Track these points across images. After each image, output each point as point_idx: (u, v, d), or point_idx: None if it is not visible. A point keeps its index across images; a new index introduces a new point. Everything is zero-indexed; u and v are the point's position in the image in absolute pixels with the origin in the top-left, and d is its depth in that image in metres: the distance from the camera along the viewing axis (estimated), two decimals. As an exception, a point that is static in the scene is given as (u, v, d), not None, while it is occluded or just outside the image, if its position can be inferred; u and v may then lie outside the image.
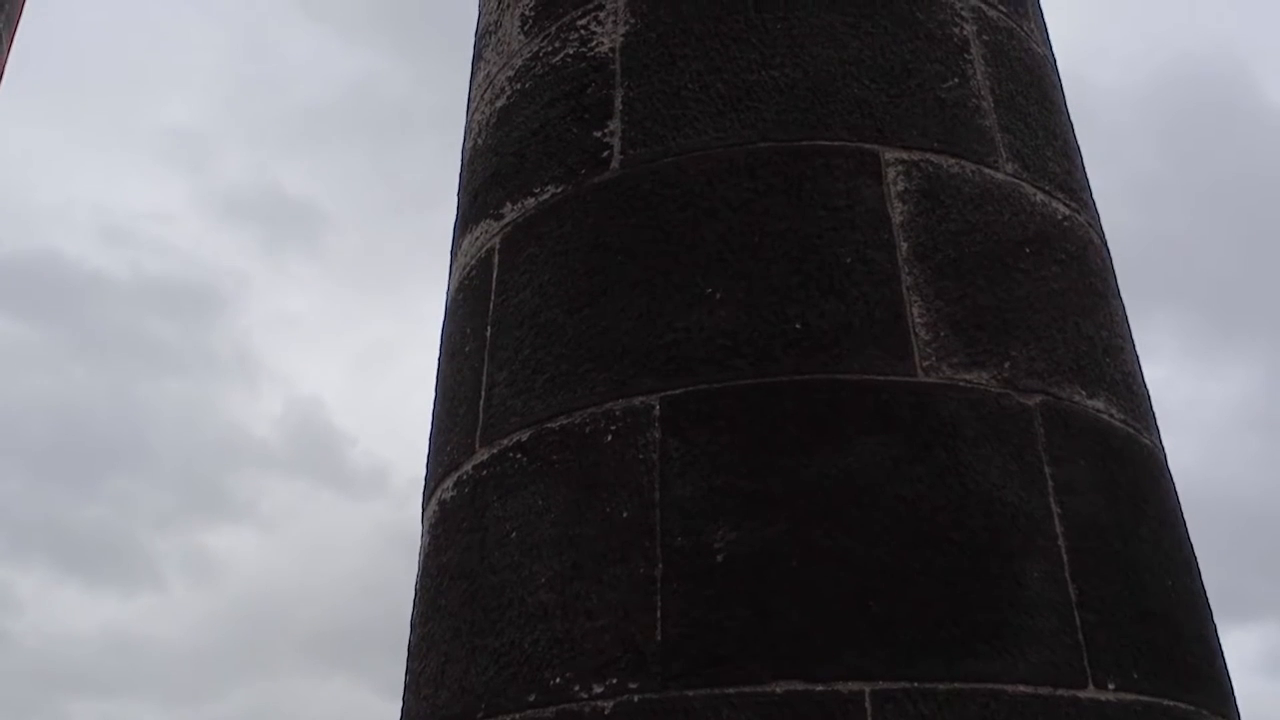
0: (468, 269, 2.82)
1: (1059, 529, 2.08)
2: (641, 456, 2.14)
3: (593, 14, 2.80)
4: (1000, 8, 2.85)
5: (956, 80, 2.59)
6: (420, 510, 2.75)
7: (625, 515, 2.10)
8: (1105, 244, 2.78)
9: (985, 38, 2.74)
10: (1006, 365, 2.23)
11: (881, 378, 2.14)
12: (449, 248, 3.07)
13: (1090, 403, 2.30)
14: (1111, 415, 2.34)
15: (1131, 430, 2.38)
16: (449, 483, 2.53)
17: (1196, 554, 2.47)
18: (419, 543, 2.68)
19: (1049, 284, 2.41)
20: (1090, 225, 2.70)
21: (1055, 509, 2.10)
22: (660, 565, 2.02)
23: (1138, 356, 2.64)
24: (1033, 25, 2.99)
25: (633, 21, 2.70)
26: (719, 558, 1.99)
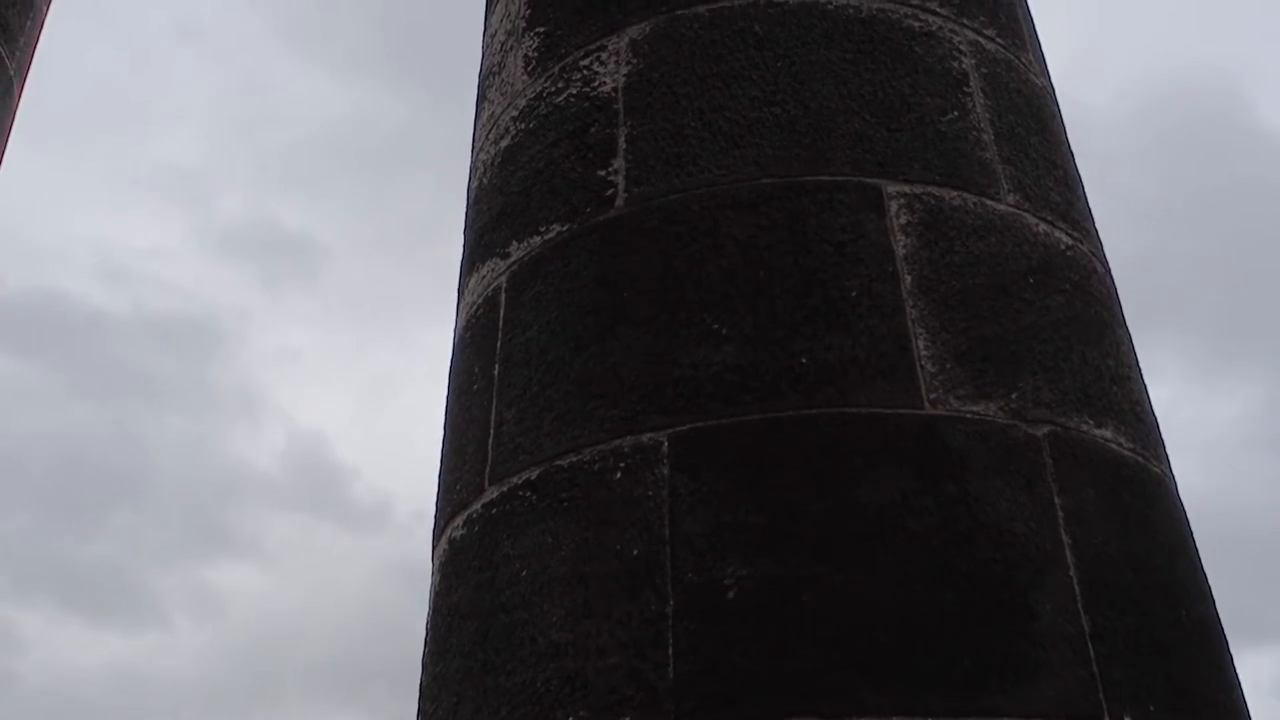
0: (475, 307, 2.84)
1: (1070, 560, 2.07)
2: (651, 493, 2.15)
3: (595, 54, 2.83)
4: (998, 40, 2.88)
5: (956, 113, 2.61)
6: (430, 548, 2.75)
7: (636, 552, 2.10)
8: (1109, 272, 2.79)
9: (984, 71, 2.76)
10: (1013, 396, 2.23)
11: (889, 411, 2.14)
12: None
13: (1098, 432, 2.31)
14: (1120, 444, 2.34)
15: (1141, 459, 2.38)
16: (459, 521, 2.53)
17: (1209, 579, 2.46)
18: (426, 578, 2.68)
19: (1053, 314, 2.42)
20: (1093, 254, 2.71)
21: (1066, 540, 2.10)
22: (671, 602, 2.02)
23: (1145, 384, 2.64)
24: (1031, 57, 3.01)
25: (635, 62, 2.73)
26: (730, 594, 1.99)
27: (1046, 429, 2.22)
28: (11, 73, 5.59)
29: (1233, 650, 2.37)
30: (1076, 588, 2.04)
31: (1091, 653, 1.97)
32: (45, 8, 5.97)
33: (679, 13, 2.76)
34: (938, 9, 2.80)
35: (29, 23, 5.68)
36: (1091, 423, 2.31)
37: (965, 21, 2.83)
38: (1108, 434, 2.33)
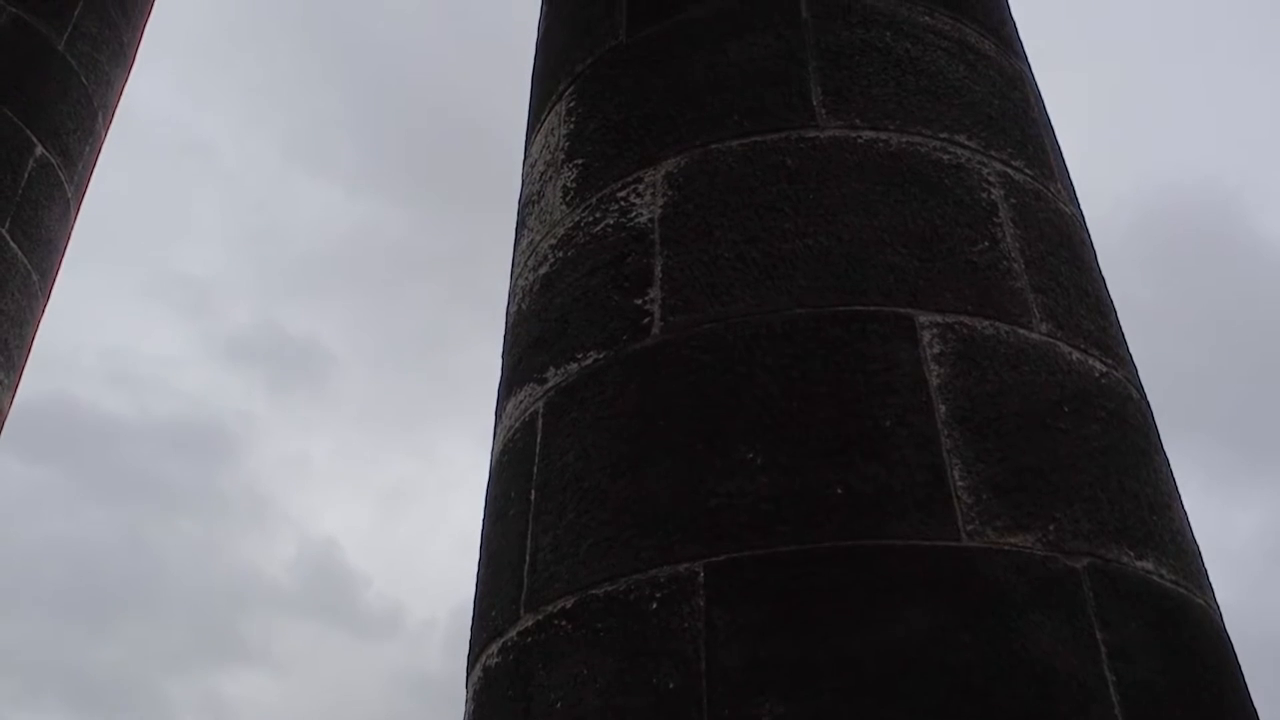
0: (512, 431, 2.87)
1: (1115, 698, 2.03)
2: (687, 625, 2.14)
3: (632, 186, 2.91)
4: (1026, 171, 2.93)
5: (987, 243, 2.66)
6: (465, 674, 2.73)
7: (671, 686, 2.08)
8: (1145, 398, 2.78)
9: (1013, 201, 2.81)
10: (1051, 527, 2.22)
11: (925, 543, 2.14)
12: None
13: (1139, 564, 2.28)
14: (1162, 576, 2.31)
15: (1184, 590, 2.35)
16: (494, 649, 2.52)
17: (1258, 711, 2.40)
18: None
19: (1090, 443, 2.42)
20: (1128, 381, 2.72)
21: (1110, 676, 2.06)
22: (708, 738, 2.00)
23: (1186, 513, 2.61)
24: (1059, 185, 3.07)
25: (670, 194, 2.81)
26: (767, 731, 1.96)
27: (1086, 561, 2.20)
28: (70, 195, 5.81)
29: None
30: (1122, 727, 2.00)
31: (1139, 797, 1.92)
32: (104, 133, 6.23)
33: (713, 147, 2.85)
34: (966, 141, 2.87)
35: (88, 148, 5.93)
36: (1132, 554, 2.29)
37: (993, 153, 2.89)
38: (1149, 565, 2.30)
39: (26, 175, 5.34)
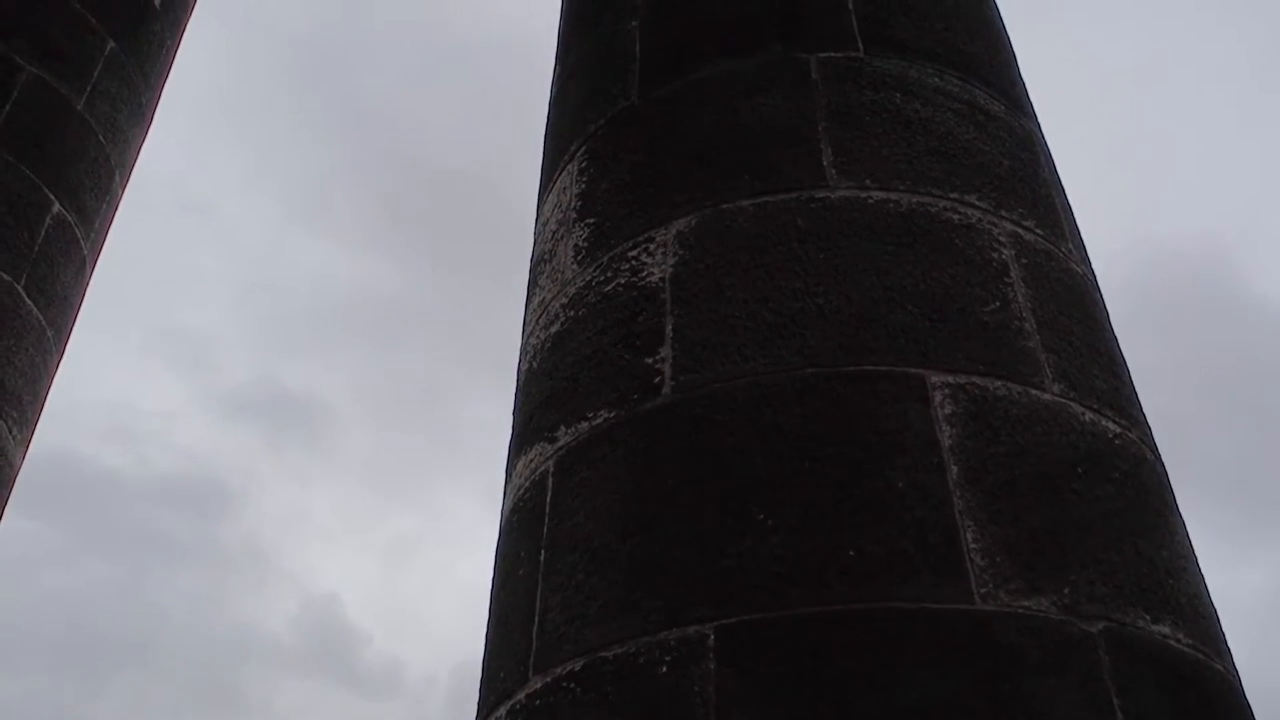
0: (522, 490, 2.86)
1: (1133, 766, 2.00)
2: (696, 689, 2.11)
3: (643, 245, 2.93)
4: (1037, 231, 2.94)
5: (998, 303, 2.66)
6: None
7: (681, 751, 2.05)
8: (1159, 459, 2.76)
9: (1024, 261, 2.82)
10: (1066, 590, 2.19)
11: (938, 606, 2.11)
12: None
13: (1155, 628, 2.25)
14: (1179, 640, 2.28)
15: (1201, 655, 2.31)
16: (502, 711, 2.49)
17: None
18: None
19: (1104, 504, 2.40)
20: (1142, 441, 2.70)
21: (1127, 744, 2.02)
22: (718, 806, 1.96)
23: (1202, 575, 2.58)
24: (1070, 245, 3.07)
25: (681, 253, 2.83)
26: (779, 799, 1.93)
27: (1101, 625, 2.17)
28: (85, 252, 5.87)
29: None
30: (1141, 797, 1.96)
31: None
32: (120, 191, 6.31)
33: (724, 206, 2.87)
34: (976, 202, 2.89)
35: (105, 206, 5.99)
36: (1148, 618, 2.26)
37: (1004, 213, 2.91)
38: (1165, 630, 2.27)
39: (44, 232, 5.40)
